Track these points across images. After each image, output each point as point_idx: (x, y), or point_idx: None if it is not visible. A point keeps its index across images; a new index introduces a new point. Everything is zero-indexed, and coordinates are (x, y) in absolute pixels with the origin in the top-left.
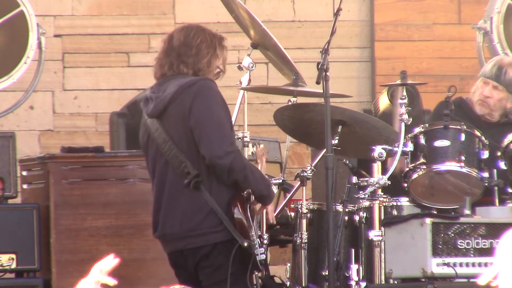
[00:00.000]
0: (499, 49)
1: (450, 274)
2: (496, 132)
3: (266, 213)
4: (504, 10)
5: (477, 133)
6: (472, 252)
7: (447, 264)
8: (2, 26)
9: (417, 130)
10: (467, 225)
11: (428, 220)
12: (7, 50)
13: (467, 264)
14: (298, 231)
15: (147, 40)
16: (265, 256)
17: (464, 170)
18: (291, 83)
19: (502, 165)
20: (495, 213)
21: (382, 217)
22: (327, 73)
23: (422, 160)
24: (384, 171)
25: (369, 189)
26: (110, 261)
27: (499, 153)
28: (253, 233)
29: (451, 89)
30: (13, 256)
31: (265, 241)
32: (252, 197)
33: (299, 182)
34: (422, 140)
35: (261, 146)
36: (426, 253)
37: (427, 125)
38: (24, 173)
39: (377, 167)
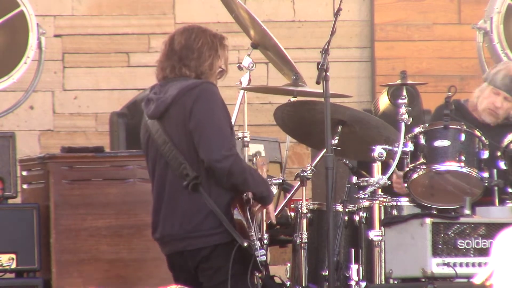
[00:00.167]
0: (499, 49)
1: (450, 274)
2: (495, 134)
3: (267, 213)
4: (504, 10)
5: (477, 133)
6: (472, 252)
7: (447, 264)
8: (2, 26)
9: (417, 130)
10: (467, 225)
11: (428, 220)
12: (7, 50)
13: (467, 264)
14: (298, 231)
15: (147, 40)
16: (265, 258)
17: (464, 170)
18: (291, 83)
19: (502, 165)
20: (495, 213)
21: (382, 217)
22: (327, 73)
23: (422, 160)
24: (384, 171)
25: (369, 189)
26: None
27: (499, 153)
28: (252, 234)
29: (451, 89)
30: (13, 256)
31: (265, 241)
32: (252, 200)
33: (299, 182)
34: (422, 140)
35: (262, 155)
36: (426, 253)
37: (427, 125)
38: (24, 173)
39: (377, 167)
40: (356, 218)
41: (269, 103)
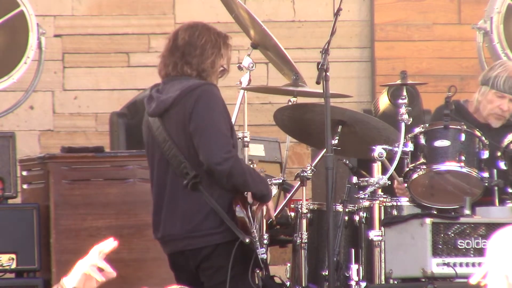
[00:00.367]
0: (499, 49)
1: (450, 274)
2: (495, 135)
3: (267, 210)
4: (504, 10)
5: (477, 133)
6: (472, 252)
7: (447, 264)
8: (2, 26)
9: (417, 130)
10: (467, 225)
11: (428, 220)
12: (7, 50)
13: (467, 264)
14: (298, 231)
15: (147, 40)
16: (266, 256)
17: (464, 170)
18: (291, 83)
19: (502, 165)
20: (495, 213)
21: (382, 217)
22: (327, 73)
23: (422, 160)
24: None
25: (369, 189)
26: (109, 243)
27: (499, 153)
28: (254, 230)
29: (451, 89)
30: (13, 256)
31: (265, 241)
32: (251, 199)
33: (299, 182)
34: (422, 140)
35: (256, 165)
36: (426, 253)
37: (427, 125)
38: (24, 173)
39: (377, 167)
40: (356, 218)
41: (269, 103)
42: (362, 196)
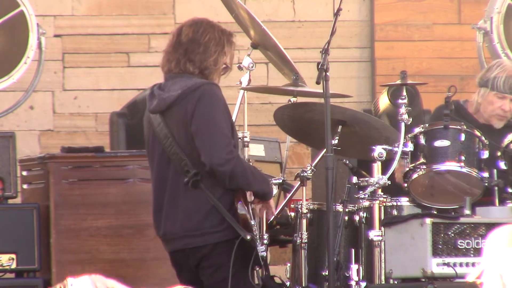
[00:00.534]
0: (499, 49)
1: (450, 274)
2: (495, 135)
3: (268, 208)
4: (504, 10)
5: (477, 133)
6: (472, 252)
7: (447, 264)
8: (2, 26)
9: (417, 130)
10: (467, 225)
11: (428, 220)
12: (7, 50)
13: (467, 264)
14: (298, 231)
15: (147, 40)
16: (265, 254)
17: (464, 170)
18: (291, 83)
19: (502, 165)
20: (495, 213)
21: (382, 217)
22: (327, 73)
23: (422, 160)
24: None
25: (369, 189)
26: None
27: (499, 153)
28: (255, 227)
29: (451, 89)
30: (13, 256)
31: (265, 241)
32: (251, 198)
33: (299, 182)
34: (422, 140)
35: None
36: (426, 253)
37: (427, 125)
38: (24, 173)
39: (377, 167)
40: (356, 218)
41: (269, 103)
42: (362, 196)
